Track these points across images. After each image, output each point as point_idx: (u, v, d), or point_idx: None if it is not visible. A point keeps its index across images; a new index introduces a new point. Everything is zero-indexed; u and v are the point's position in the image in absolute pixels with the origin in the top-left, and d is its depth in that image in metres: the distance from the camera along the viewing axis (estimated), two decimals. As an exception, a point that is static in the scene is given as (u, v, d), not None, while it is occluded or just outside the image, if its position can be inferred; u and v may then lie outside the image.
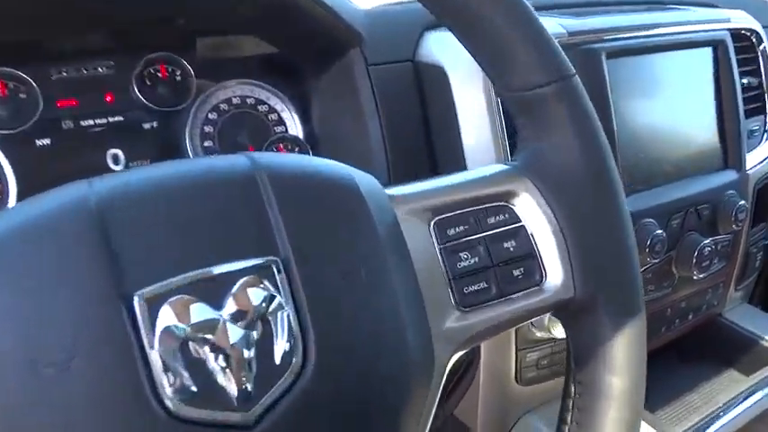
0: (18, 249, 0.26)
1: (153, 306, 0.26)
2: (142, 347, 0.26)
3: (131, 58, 0.67)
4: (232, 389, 0.27)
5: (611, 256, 0.38)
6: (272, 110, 0.74)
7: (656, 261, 0.75)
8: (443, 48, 0.67)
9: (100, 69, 0.66)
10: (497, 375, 0.73)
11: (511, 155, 0.64)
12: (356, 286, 0.30)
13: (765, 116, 0.93)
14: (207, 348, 0.27)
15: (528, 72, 0.36)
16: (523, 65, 0.36)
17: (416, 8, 0.60)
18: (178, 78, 0.69)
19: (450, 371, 0.35)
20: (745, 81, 0.89)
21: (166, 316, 0.26)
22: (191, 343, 0.26)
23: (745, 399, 0.79)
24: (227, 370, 0.27)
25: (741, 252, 0.91)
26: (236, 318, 0.27)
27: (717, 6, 0.93)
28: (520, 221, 0.38)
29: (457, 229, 0.36)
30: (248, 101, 0.73)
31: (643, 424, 0.69)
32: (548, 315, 0.51)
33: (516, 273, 0.37)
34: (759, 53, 0.91)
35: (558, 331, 0.69)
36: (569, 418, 0.40)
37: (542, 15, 0.50)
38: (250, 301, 0.28)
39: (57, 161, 0.64)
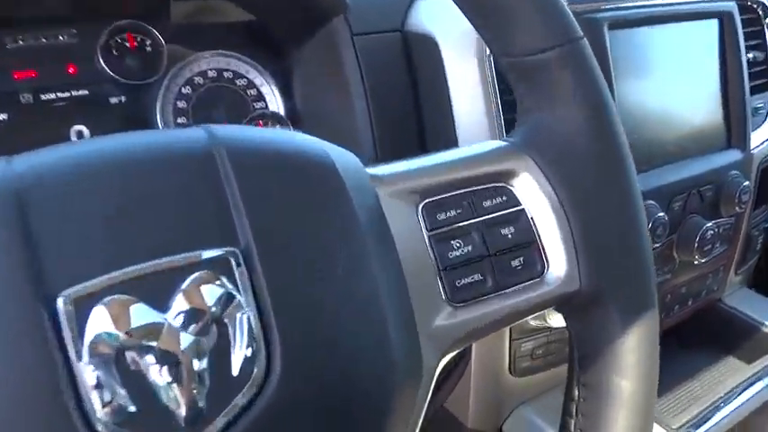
0: None
1: (82, 309, 0.22)
2: (68, 359, 0.21)
3: (96, 25, 0.61)
4: (179, 407, 0.22)
5: (622, 243, 0.33)
6: (251, 84, 0.70)
7: (658, 245, 0.71)
8: (434, 16, 0.63)
9: (61, 38, 0.61)
10: (490, 366, 0.70)
11: (507, 133, 0.60)
12: (330, 281, 0.26)
13: (771, 93, 0.89)
14: (149, 359, 0.22)
15: (530, 34, 0.32)
16: (525, 26, 0.32)
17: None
18: (148, 49, 0.64)
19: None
20: (750, 56, 0.85)
21: (99, 321, 0.22)
22: (129, 353, 0.22)
23: (746, 389, 0.76)
24: (174, 385, 0.22)
25: (742, 235, 0.88)
26: (184, 321, 0.23)
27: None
28: (519, 205, 0.34)
29: (448, 214, 0.32)
30: (225, 74, 0.69)
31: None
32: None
33: (515, 263, 0.33)
34: (765, 26, 0.87)
35: (555, 320, 0.65)
36: (573, 426, 0.36)
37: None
38: (203, 301, 0.23)
39: (15, 138, 0.59)
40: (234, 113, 0.68)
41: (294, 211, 0.26)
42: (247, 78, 0.69)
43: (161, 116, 0.64)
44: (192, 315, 0.23)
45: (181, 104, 0.66)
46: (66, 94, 0.61)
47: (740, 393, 0.75)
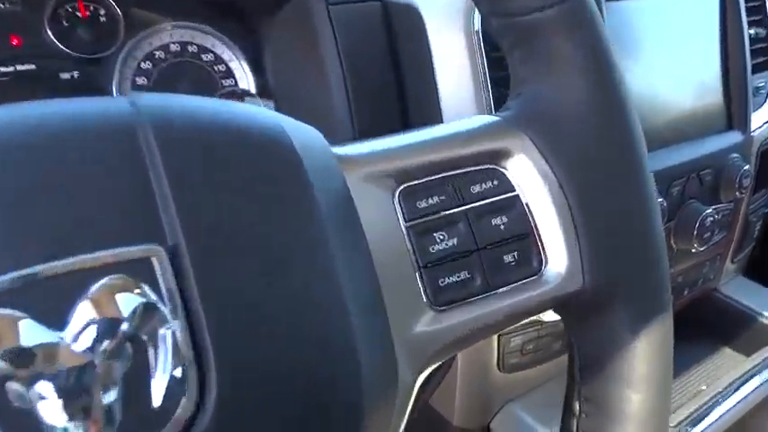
0: None
1: None
2: None
3: (42, -8, 0.55)
4: (79, 454, 0.17)
5: (632, 235, 0.29)
6: (219, 59, 0.65)
7: (655, 233, 0.67)
8: (417, -17, 0.57)
9: (2, 5, 0.55)
10: (477, 362, 0.66)
11: (497, 109, 0.55)
12: (282, 286, 0.21)
13: (772, 71, 0.86)
14: (40, 391, 0.17)
15: None
16: None
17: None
18: (102, 19, 0.59)
19: None
20: (752, 32, 0.81)
21: None
22: (11, 384, 0.17)
23: (745, 383, 0.72)
24: (74, 425, 0.17)
25: (740, 222, 0.84)
26: (89, 340, 0.18)
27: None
28: (513, 190, 0.29)
29: (429, 201, 0.27)
30: (190, 48, 0.63)
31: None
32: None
33: (508, 258, 0.28)
34: (766, 1, 0.83)
35: (547, 313, 0.61)
36: (574, 445, 0.31)
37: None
38: (114, 314, 0.18)
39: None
40: (201, 91, 0.63)
41: (236, 198, 0.21)
42: (214, 53, 0.64)
43: (118, 94, 0.59)
44: (100, 331, 0.18)
45: (140, 81, 0.60)
46: (10, 69, 0.55)
47: (738, 388, 0.71)
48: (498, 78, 0.55)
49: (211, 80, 0.64)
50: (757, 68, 0.82)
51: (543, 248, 0.29)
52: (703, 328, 0.83)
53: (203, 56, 0.63)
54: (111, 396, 0.18)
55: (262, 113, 0.24)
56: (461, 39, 0.54)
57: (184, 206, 0.20)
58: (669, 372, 0.29)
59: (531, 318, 0.66)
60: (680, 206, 0.72)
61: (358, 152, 0.27)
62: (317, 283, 0.22)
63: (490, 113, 0.57)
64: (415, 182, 0.27)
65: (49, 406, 0.17)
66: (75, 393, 0.17)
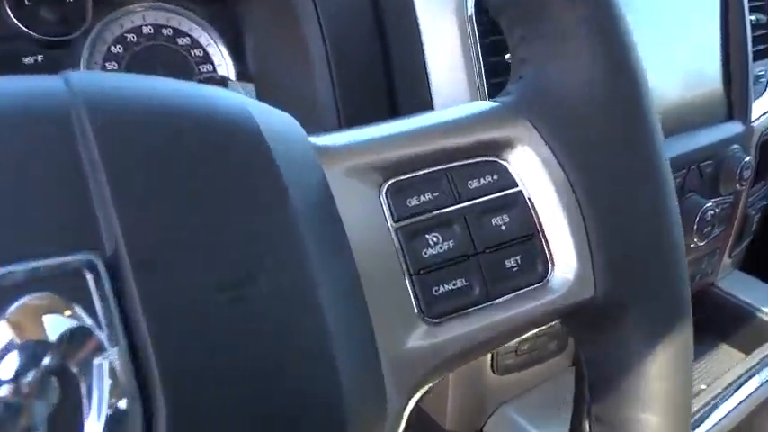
0: None
1: None
2: None
3: (2, -31, 0.52)
4: None
5: (650, 237, 0.26)
6: (196, 44, 0.61)
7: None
8: (406, -37, 0.54)
9: (-43, -16, 0.51)
10: (470, 364, 0.62)
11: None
12: (246, 300, 0.18)
13: (773, 59, 0.83)
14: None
15: None
16: None
17: None
18: (68, -1, 0.54)
19: None
20: (752, 18, 0.78)
21: None
22: None
23: (745, 383, 0.70)
24: None
25: (739, 215, 0.82)
26: (5, 374, 0.14)
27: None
28: (515, 186, 0.26)
29: (421, 198, 0.24)
30: (164, 31, 0.59)
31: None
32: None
33: (510, 263, 0.25)
34: (768, -14, 0.81)
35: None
36: (583, 470, 0.28)
37: None
38: (42, 339, 0.15)
39: None
40: (176, 78, 0.59)
41: (189, 196, 0.17)
42: (191, 36, 0.60)
43: (86, 79, 0.55)
44: (19, 363, 0.15)
45: (111, 66, 0.57)
46: (-33, 52, 0.51)
47: (738, 389, 0.69)
48: (495, 63, 0.52)
49: (187, 65, 0.60)
50: (757, 56, 0.80)
51: (549, 252, 0.26)
52: (702, 324, 0.81)
53: (179, 39, 0.60)
54: (30, 444, 0.14)
55: (225, 96, 0.21)
56: (453, 20, 0.51)
57: (125, 206, 0.16)
58: (689, 390, 0.26)
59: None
60: (679, 199, 0.69)
61: (340, 142, 0.24)
62: (290, 294, 0.19)
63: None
64: (405, 176, 0.24)
65: (-51, 459, 0.14)
66: (-16, 442, 0.14)
